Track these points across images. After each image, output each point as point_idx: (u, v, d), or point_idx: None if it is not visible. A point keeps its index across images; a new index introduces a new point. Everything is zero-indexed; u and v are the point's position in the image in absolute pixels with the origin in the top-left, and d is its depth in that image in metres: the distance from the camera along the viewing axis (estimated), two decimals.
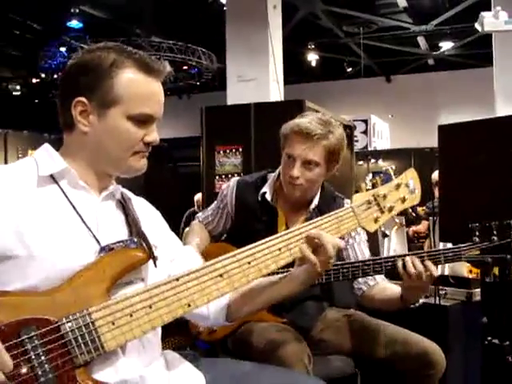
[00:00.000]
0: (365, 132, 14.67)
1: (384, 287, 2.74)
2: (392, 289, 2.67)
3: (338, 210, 2.00)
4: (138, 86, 1.79)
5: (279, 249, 1.86)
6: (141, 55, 1.82)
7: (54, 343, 1.56)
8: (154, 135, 1.84)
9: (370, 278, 2.75)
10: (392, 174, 2.13)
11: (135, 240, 1.78)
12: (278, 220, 2.86)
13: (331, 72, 16.70)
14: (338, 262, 2.59)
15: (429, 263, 2.34)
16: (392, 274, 2.53)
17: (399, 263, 2.37)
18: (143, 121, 1.80)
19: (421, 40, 14.38)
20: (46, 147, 1.86)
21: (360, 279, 2.77)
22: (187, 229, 3.19)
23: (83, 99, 1.77)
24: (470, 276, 3.89)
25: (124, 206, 1.91)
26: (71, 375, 1.56)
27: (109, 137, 1.79)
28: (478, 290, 3.60)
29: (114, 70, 1.77)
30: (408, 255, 2.40)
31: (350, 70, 16.53)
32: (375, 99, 16.81)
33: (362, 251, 2.86)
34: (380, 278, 2.78)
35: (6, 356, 1.45)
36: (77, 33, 12.52)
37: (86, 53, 1.83)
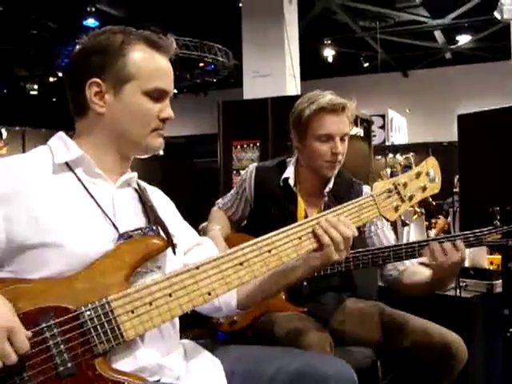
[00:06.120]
0: (382, 127, 14.66)
1: (414, 271, 2.68)
2: (423, 272, 2.60)
3: (359, 199, 1.98)
4: (150, 61, 1.80)
5: (300, 237, 1.85)
6: (148, 33, 1.84)
7: (73, 332, 1.56)
8: (168, 110, 1.85)
9: (398, 262, 2.70)
10: (412, 161, 2.10)
11: (154, 228, 1.79)
12: (298, 206, 2.84)
13: (348, 67, 16.62)
14: (360, 250, 2.58)
15: (458, 244, 2.32)
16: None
17: (425, 251, 2.38)
18: (157, 96, 1.81)
19: (438, 34, 14.28)
20: (60, 135, 1.86)
21: (389, 265, 2.72)
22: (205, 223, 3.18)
23: (97, 80, 1.77)
24: (491, 268, 3.85)
25: (140, 194, 1.91)
26: (90, 364, 1.56)
27: (126, 114, 1.79)
28: (499, 281, 3.57)
29: (126, 48, 1.78)
30: (429, 241, 2.39)
31: (366, 64, 16.44)
32: (392, 94, 16.75)
33: (387, 237, 2.82)
34: (409, 262, 2.72)
35: (21, 332, 1.47)
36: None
37: (92, 37, 1.83)
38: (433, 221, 8.22)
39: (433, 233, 7.94)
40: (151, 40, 1.82)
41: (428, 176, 2.09)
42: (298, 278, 2.01)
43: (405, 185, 2.04)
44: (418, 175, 2.08)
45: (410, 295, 2.75)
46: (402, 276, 2.71)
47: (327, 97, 2.73)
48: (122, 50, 1.78)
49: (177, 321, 1.89)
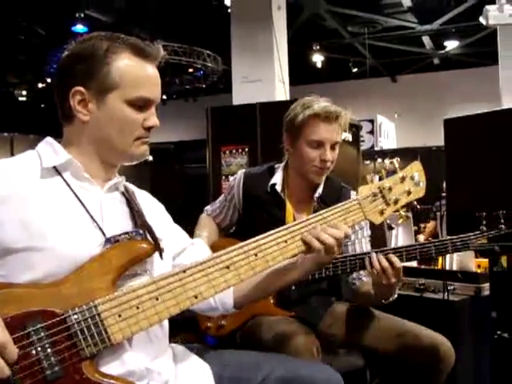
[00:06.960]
0: (371, 132, 14.72)
1: (365, 282, 2.74)
2: (369, 284, 2.64)
3: (344, 202, 2.00)
4: (134, 70, 1.79)
5: (285, 241, 1.86)
6: (134, 40, 1.83)
7: (60, 335, 1.56)
8: (153, 119, 1.84)
9: (362, 273, 2.75)
10: (397, 166, 2.12)
11: (141, 232, 1.79)
12: (286, 211, 2.85)
13: (337, 72, 16.68)
14: (347, 255, 2.60)
15: (392, 257, 2.37)
16: None
17: (366, 261, 2.42)
18: (142, 105, 1.80)
19: (426, 39, 14.35)
20: (48, 140, 1.87)
21: (354, 274, 2.79)
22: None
23: (81, 88, 1.77)
24: (479, 271, 3.87)
25: (128, 198, 1.91)
26: (78, 367, 1.56)
27: (109, 123, 1.79)
28: (487, 284, 3.58)
29: (110, 56, 1.77)
30: (409, 246, 2.42)
31: (355, 70, 16.50)
32: (381, 99, 16.80)
33: (362, 248, 2.84)
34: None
35: (12, 346, 1.47)
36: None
37: (78, 43, 1.83)
38: (422, 225, 8.26)
39: (422, 237, 7.98)
40: (137, 47, 1.81)
41: (413, 180, 2.11)
42: (294, 279, 2.06)
43: (390, 189, 2.05)
44: (403, 179, 2.10)
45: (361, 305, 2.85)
46: (358, 286, 2.79)
47: (322, 104, 2.75)
48: (106, 57, 1.77)
49: (165, 324, 1.89)
